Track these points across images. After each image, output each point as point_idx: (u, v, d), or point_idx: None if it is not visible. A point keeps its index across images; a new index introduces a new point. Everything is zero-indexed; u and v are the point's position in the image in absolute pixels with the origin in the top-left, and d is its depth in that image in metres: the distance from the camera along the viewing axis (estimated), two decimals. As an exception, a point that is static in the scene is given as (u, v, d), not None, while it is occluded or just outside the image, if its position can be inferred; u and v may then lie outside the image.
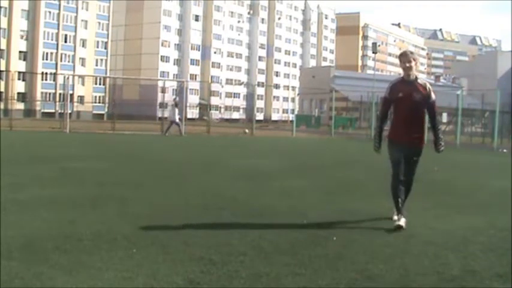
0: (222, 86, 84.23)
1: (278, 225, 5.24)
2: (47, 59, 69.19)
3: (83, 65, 72.56)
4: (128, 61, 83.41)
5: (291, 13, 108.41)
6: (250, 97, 79.99)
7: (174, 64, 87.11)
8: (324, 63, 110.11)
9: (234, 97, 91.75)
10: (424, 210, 6.32)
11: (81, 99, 63.24)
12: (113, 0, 78.12)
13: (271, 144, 22.66)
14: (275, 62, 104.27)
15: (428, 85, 5.48)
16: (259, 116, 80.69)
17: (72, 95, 45.36)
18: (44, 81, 67.05)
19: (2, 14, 64.27)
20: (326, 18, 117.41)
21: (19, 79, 60.86)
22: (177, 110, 26.53)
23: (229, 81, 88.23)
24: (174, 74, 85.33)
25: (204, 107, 65.55)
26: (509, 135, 28.71)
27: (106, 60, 76.40)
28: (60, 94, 61.83)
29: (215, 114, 74.20)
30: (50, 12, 69.39)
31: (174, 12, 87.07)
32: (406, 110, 5.36)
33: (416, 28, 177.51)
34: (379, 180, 8.32)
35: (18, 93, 59.51)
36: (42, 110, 62.54)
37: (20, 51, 66.77)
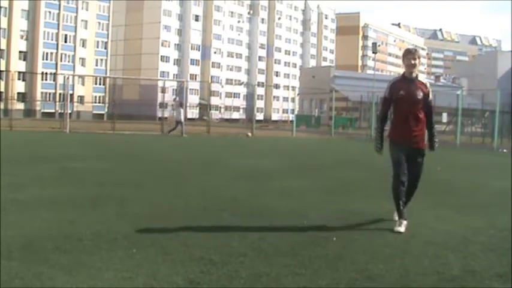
0: (222, 86, 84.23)
1: (278, 228, 5.23)
2: (47, 59, 69.20)
3: (83, 65, 72.58)
4: (128, 61, 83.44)
5: (291, 13, 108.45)
6: (250, 97, 79.91)
7: (174, 64, 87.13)
8: (324, 63, 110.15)
9: (234, 97, 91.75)
10: (424, 210, 6.31)
11: (81, 99, 63.24)
12: (113, 0, 78.13)
13: (271, 144, 22.65)
14: (275, 62, 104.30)
15: (428, 84, 5.45)
16: (259, 116, 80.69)
17: (72, 95, 45.36)
18: (44, 81, 67.07)
19: (2, 14, 64.28)
20: (326, 18, 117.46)
21: (19, 79, 60.87)
22: (182, 110, 26.56)
23: (229, 81, 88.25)
24: (174, 74, 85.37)
25: (204, 107, 65.51)
26: (509, 135, 28.71)
27: (106, 60, 76.42)
28: (60, 94, 61.83)
29: (215, 114, 74.19)
30: (50, 12, 69.40)
31: (174, 12, 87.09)
32: (407, 108, 5.25)
33: (416, 28, 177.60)
34: (379, 180, 8.32)
35: (18, 93, 59.50)
36: (42, 110, 62.53)
37: (20, 51, 66.79)
